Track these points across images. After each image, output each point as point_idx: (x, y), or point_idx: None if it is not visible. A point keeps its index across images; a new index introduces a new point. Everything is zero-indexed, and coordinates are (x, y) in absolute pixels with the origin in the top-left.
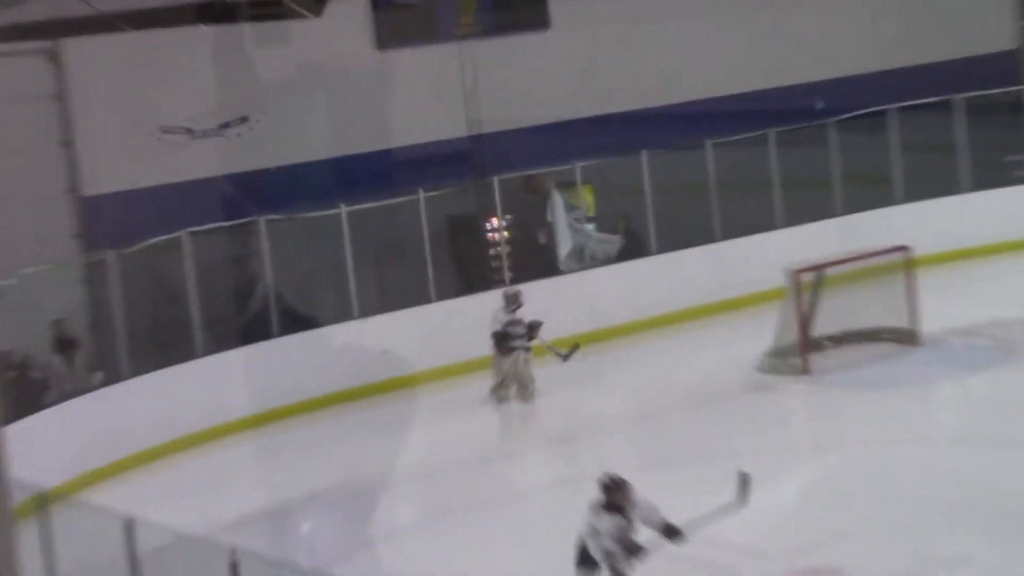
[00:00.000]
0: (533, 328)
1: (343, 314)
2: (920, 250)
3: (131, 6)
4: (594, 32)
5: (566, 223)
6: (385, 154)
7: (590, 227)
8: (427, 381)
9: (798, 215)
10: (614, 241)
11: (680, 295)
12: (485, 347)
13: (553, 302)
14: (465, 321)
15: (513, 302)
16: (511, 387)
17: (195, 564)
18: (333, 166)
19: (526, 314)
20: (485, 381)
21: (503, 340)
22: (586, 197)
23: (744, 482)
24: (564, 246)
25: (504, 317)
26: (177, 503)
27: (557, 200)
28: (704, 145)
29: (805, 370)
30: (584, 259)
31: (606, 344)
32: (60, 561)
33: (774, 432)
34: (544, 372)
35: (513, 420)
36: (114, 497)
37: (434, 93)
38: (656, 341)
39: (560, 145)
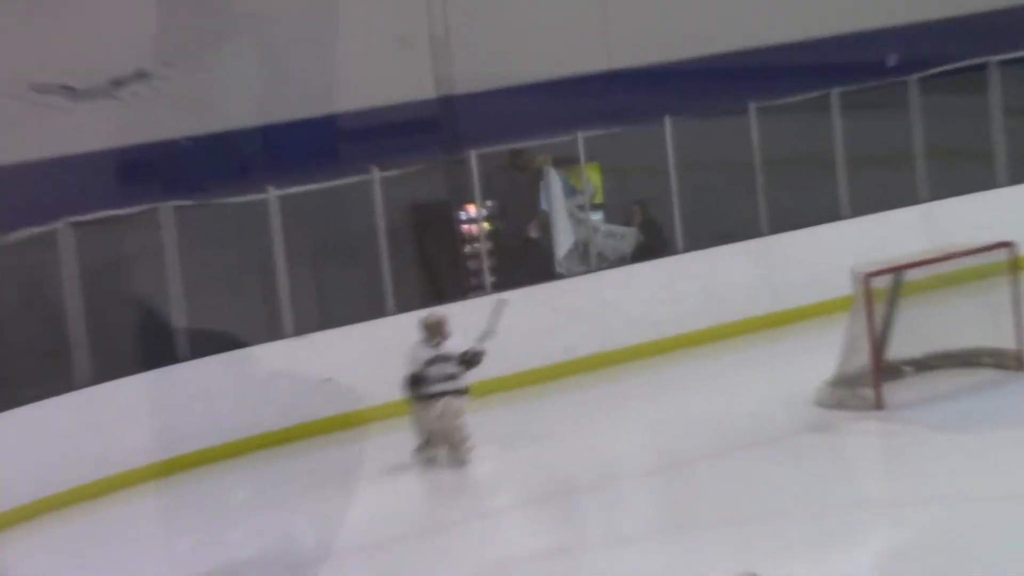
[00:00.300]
0: (473, 359)
1: (273, 331)
2: None
3: None
4: None
5: (565, 212)
6: (329, 122)
7: (597, 217)
8: (382, 418)
9: (869, 201)
10: (628, 235)
11: (714, 306)
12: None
13: (548, 315)
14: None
15: (435, 333)
16: (439, 446)
17: None
18: (261, 137)
19: (458, 347)
20: (469, 418)
21: (419, 385)
22: (592, 178)
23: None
24: (563, 242)
25: (423, 354)
26: None
27: (554, 181)
28: (746, 110)
29: (879, 404)
30: (589, 259)
31: (616, 371)
32: None
33: (839, 486)
34: (525, 409)
35: (463, 483)
36: None
37: (393, 42)
38: (682, 366)
39: (558, 110)
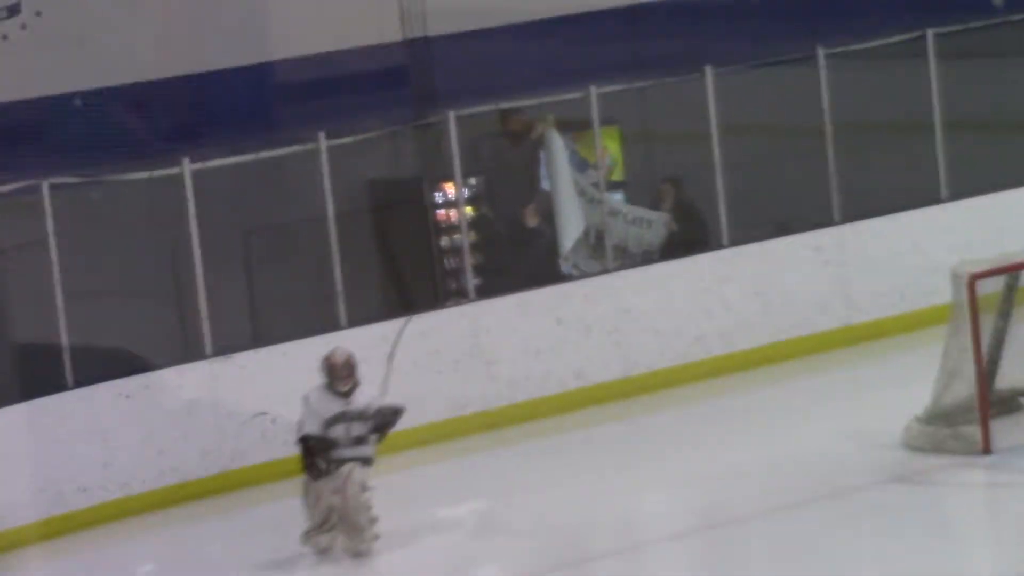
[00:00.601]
0: (388, 422)
1: (190, 349)
2: None
3: None
4: None
5: (573, 190)
6: (262, 72)
7: (616, 197)
8: None
9: (976, 179)
10: (657, 222)
11: (770, 318)
12: (433, 408)
13: (551, 330)
14: (400, 362)
15: (343, 377)
16: (336, 531)
17: None
18: (173, 93)
19: (374, 399)
20: (437, 468)
21: (318, 451)
22: (609, 147)
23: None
24: (570, 230)
25: (325, 407)
26: None
27: (558, 150)
28: (814, 57)
29: (986, 447)
30: (605, 252)
31: (641, 403)
32: None
33: (932, 553)
34: (522, 453)
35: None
36: None
37: None
38: (729, 397)
39: (565, 57)
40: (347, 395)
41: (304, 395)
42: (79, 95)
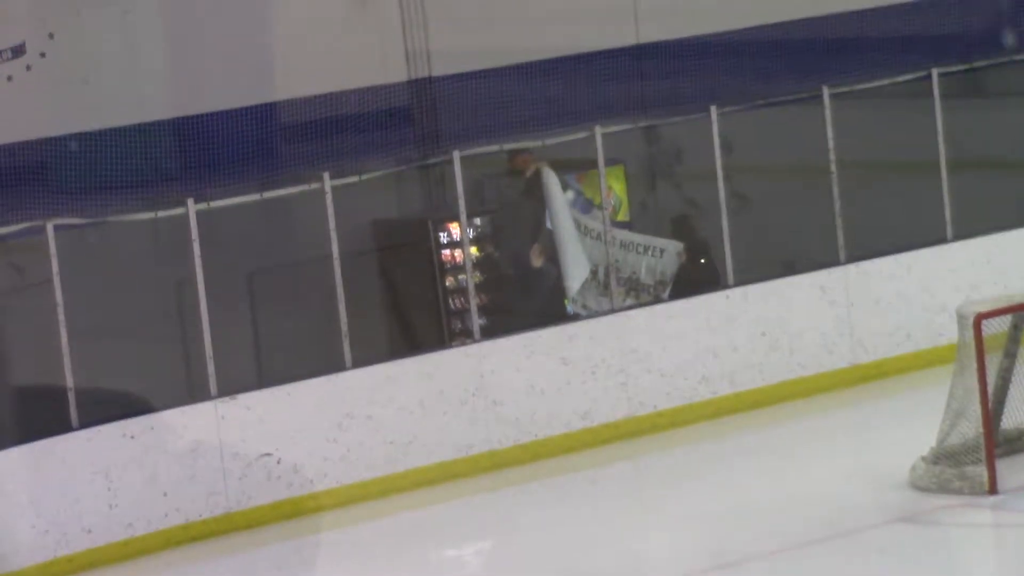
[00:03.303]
0: None
1: (194, 390)
2: None
3: None
4: None
5: (574, 228)
6: (264, 112)
7: (623, 234)
8: (338, 506)
9: (982, 218)
10: (670, 250)
11: (776, 358)
12: (438, 449)
13: (558, 371)
14: (405, 402)
15: None
16: None
17: None
18: (173, 133)
19: None
20: (442, 509)
21: None
22: (614, 188)
23: None
24: (575, 270)
25: None
26: None
27: (553, 187)
28: (819, 96)
29: (992, 487)
30: (610, 289)
31: (646, 443)
32: None
33: None
34: (525, 493)
35: None
36: None
37: (350, 5)
38: (735, 437)
39: (567, 98)
40: None
41: None
42: (79, 137)
